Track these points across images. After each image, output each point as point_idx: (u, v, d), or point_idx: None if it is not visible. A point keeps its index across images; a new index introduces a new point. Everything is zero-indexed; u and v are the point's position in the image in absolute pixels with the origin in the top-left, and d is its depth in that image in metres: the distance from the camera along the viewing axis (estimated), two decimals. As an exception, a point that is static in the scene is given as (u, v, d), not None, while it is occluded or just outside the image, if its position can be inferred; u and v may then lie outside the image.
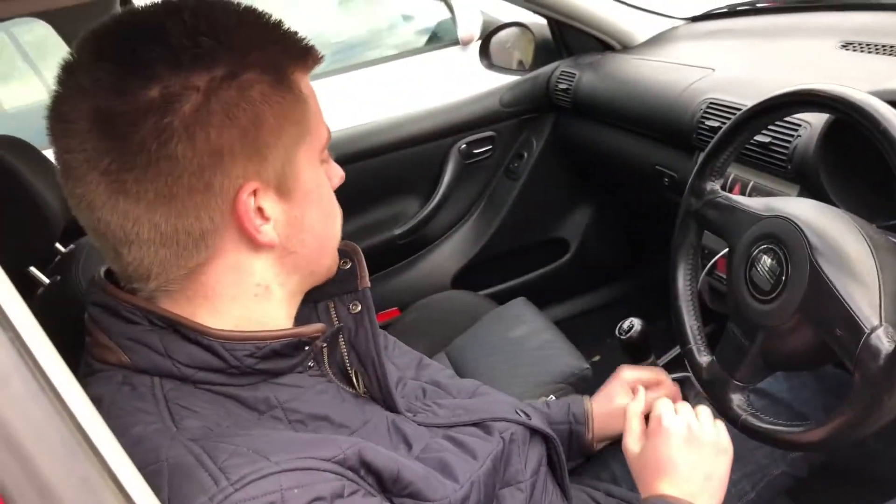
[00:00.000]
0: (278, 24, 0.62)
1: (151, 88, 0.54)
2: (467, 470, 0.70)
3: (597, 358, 1.91)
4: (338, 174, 0.72)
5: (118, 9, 1.49)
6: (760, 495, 1.02)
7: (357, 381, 0.73)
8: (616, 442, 0.98)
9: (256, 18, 0.61)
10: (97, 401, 0.58)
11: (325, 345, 0.71)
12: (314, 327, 0.67)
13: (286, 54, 0.61)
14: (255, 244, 0.62)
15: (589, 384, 1.37)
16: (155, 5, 0.59)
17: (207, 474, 0.52)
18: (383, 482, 0.62)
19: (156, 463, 0.53)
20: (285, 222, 0.63)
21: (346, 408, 0.68)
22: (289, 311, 0.69)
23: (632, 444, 0.87)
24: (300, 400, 0.65)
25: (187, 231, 0.58)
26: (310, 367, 0.69)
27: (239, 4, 0.61)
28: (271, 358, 0.64)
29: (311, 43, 0.64)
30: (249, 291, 0.64)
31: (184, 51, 0.55)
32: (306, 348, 0.67)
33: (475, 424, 0.77)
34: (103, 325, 0.62)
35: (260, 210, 0.61)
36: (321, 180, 0.67)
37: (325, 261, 0.70)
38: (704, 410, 0.88)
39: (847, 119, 0.76)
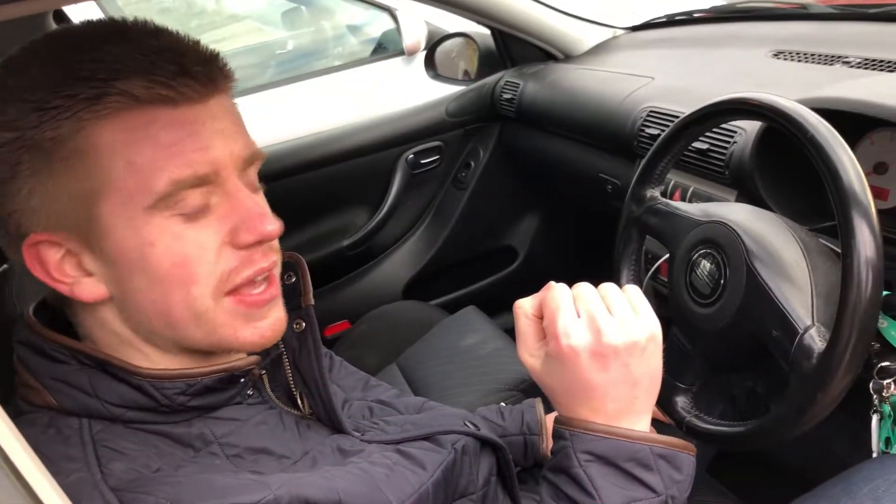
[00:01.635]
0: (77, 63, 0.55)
1: None
2: (416, 481, 0.70)
3: (548, 364, 1.92)
4: (251, 226, 0.59)
5: (52, 25, 1.45)
6: None
7: (302, 402, 0.72)
8: None
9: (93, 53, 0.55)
10: None
11: (263, 372, 0.69)
12: (248, 360, 0.65)
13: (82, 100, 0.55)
14: (76, 297, 0.59)
15: (540, 390, 1.38)
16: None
17: None
18: None
19: None
20: (108, 279, 0.59)
21: (287, 438, 0.67)
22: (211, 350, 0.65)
23: (526, 356, 0.70)
24: (237, 433, 0.63)
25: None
26: (249, 395, 0.67)
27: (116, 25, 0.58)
28: (204, 394, 0.62)
29: (111, 88, 0.54)
30: (125, 341, 0.62)
31: None
32: (241, 380, 0.65)
33: (425, 438, 0.76)
34: (29, 365, 0.60)
35: (79, 263, 0.58)
36: (152, 239, 0.57)
37: (188, 332, 0.61)
38: (610, 288, 0.68)
39: (777, 126, 0.78)
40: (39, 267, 0.58)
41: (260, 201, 0.63)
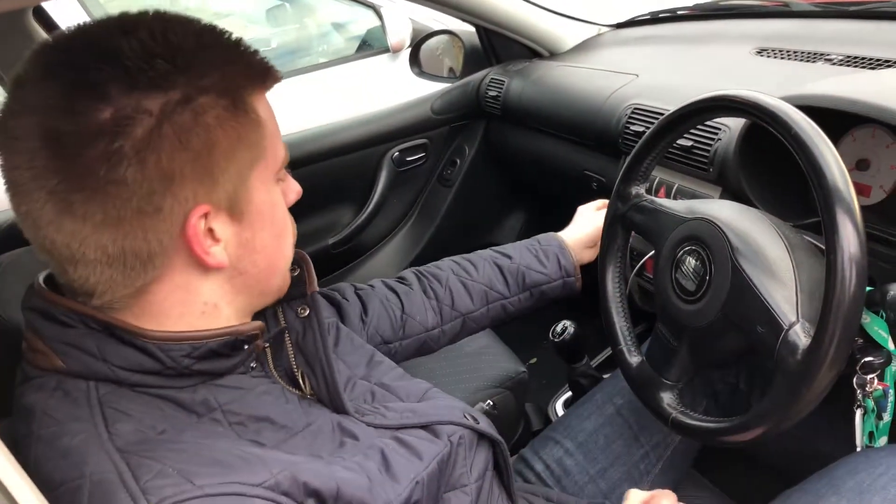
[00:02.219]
0: (237, 43, 0.62)
1: (103, 110, 0.53)
2: (411, 470, 0.70)
3: (534, 360, 1.93)
4: (294, 189, 0.72)
5: (33, 25, 1.43)
6: (666, 470, 1.06)
7: (304, 382, 0.73)
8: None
9: (215, 39, 0.60)
10: (29, 411, 0.58)
11: (267, 345, 0.71)
12: (252, 325, 0.67)
13: (243, 76, 0.61)
14: (203, 265, 0.61)
15: (526, 387, 1.39)
16: (110, 22, 0.58)
17: (128, 494, 0.51)
18: (324, 501, 0.61)
19: (79, 479, 0.52)
20: (236, 244, 0.63)
21: (289, 409, 0.68)
22: (235, 323, 0.68)
23: None
24: (241, 401, 0.64)
25: (135, 253, 0.58)
26: (252, 367, 0.69)
27: (198, 22, 0.60)
28: (209, 358, 0.63)
29: (269, 62, 0.64)
30: (196, 309, 0.64)
31: (138, 73, 0.54)
32: (245, 347, 0.66)
33: (423, 427, 0.77)
34: (38, 330, 0.61)
35: (210, 231, 0.60)
36: (275, 200, 0.67)
37: (276, 280, 0.71)
38: None
39: (762, 123, 0.79)
40: (194, 235, 0.60)
41: None
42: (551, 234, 1.15)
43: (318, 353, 0.73)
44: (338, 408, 0.72)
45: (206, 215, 0.59)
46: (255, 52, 0.63)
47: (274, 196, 0.66)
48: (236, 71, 0.60)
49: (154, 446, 0.56)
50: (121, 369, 0.60)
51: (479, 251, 1.13)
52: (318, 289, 0.77)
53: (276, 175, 0.66)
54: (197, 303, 0.63)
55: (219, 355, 0.64)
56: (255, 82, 0.62)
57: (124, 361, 0.60)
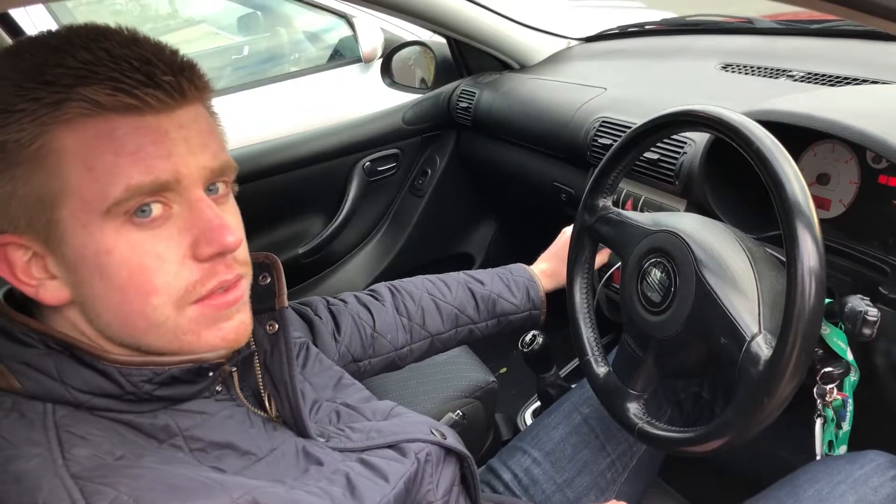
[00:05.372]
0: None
1: None
2: (377, 493, 0.69)
3: (503, 370, 1.94)
4: (210, 238, 0.59)
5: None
6: (632, 478, 1.07)
7: (270, 404, 0.71)
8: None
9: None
10: None
11: (234, 369, 0.69)
12: (219, 353, 0.64)
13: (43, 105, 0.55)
14: (39, 300, 0.59)
15: (496, 397, 1.39)
16: None
17: None
18: None
19: None
20: (73, 284, 0.59)
21: (253, 433, 0.66)
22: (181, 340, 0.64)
23: None
24: (203, 427, 0.63)
25: None
26: (217, 391, 0.67)
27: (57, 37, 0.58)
28: (171, 384, 0.61)
29: (75, 94, 0.54)
30: (91, 339, 0.61)
31: None
32: (210, 374, 0.65)
33: (390, 447, 0.76)
34: None
35: (45, 266, 0.58)
36: (110, 247, 0.57)
37: (150, 341, 0.61)
38: None
39: (725, 138, 0.80)
40: (6, 268, 0.58)
41: (227, 212, 0.64)
42: (521, 265, 1.18)
43: (284, 375, 0.71)
44: (302, 431, 0.71)
45: (15, 245, 0.58)
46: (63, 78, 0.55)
47: (105, 242, 0.57)
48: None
49: (111, 472, 0.54)
50: (79, 392, 0.58)
51: (453, 273, 1.14)
52: (286, 303, 0.73)
53: (107, 215, 0.56)
54: (80, 333, 0.61)
55: (182, 381, 0.62)
56: (53, 112, 0.55)
57: (83, 384, 0.58)
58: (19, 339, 0.59)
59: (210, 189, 0.62)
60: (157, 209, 0.58)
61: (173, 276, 0.59)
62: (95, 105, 0.54)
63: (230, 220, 0.63)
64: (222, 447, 0.63)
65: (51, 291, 0.59)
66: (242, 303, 0.65)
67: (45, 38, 0.58)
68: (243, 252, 0.65)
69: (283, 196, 1.84)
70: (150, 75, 0.56)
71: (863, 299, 0.80)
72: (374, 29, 2.55)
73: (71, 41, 0.56)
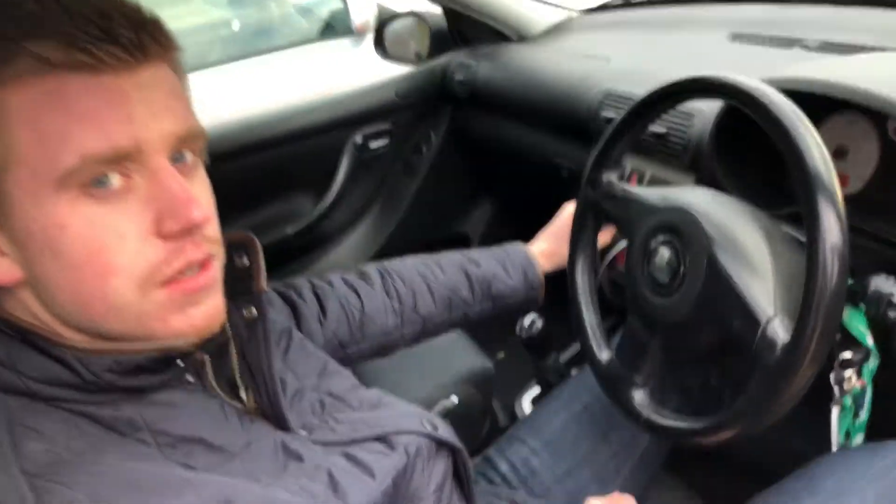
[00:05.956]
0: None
1: None
2: (364, 490, 0.64)
3: (501, 355, 1.90)
4: (173, 212, 0.53)
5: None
6: (636, 470, 1.03)
7: (247, 395, 0.66)
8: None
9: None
10: None
11: (207, 357, 0.63)
12: (188, 340, 0.59)
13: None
14: None
15: (493, 383, 1.35)
16: None
17: None
18: None
19: None
20: (23, 262, 0.54)
21: (227, 427, 0.61)
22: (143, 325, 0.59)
23: None
24: (171, 420, 0.58)
25: None
26: (189, 382, 0.62)
27: None
28: (135, 374, 0.56)
29: (21, 49, 0.49)
30: (46, 324, 0.56)
31: None
32: (178, 362, 0.59)
33: (377, 439, 0.71)
34: None
35: None
36: (62, 221, 0.51)
37: (110, 326, 0.56)
38: None
39: (740, 106, 0.75)
40: None
41: (195, 185, 0.58)
42: (519, 244, 1.12)
43: (261, 364, 0.66)
44: (281, 425, 0.66)
45: None
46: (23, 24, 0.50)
47: (57, 216, 0.51)
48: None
49: (67, 469, 0.49)
50: (34, 381, 0.53)
51: (446, 253, 1.09)
52: (265, 287, 0.68)
53: (60, 186, 0.51)
54: (33, 316, 0.56)
55: (147, 371, 0.57)
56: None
57: (38, 373, 0.53)
58: None
59: (176, 158, 0.56)
60: (116, 180, 0.52)
61: (135, 255, 0.53)
62: (44, 62, 0.49)
63: (199, 192, 0.57)
64: (192, 442, 0.58)
65: (0, 270, 0.53)
66: (214, 286, 0.60)
67: None
68: (213, 229, 0.59)
69: (271, 173, 1.76)
70: (108, 30, 0.51)
71: (888, 279, 0.74)
72: (366, 1, 2.48)
73: None
